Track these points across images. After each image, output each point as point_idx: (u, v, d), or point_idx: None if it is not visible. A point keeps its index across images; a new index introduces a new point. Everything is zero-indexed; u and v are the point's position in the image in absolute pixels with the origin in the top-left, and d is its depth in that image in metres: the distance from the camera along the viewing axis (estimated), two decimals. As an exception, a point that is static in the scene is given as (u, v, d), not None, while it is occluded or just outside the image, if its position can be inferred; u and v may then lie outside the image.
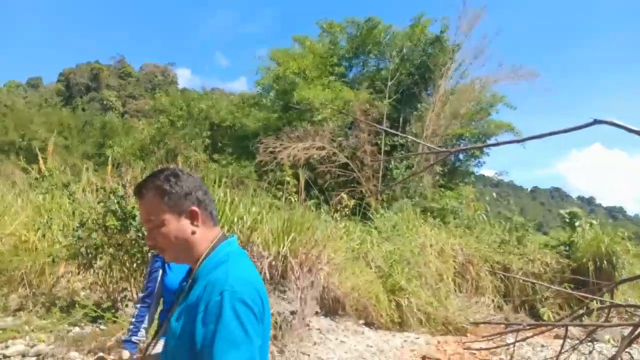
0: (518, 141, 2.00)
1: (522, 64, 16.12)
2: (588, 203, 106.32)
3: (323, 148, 13.72)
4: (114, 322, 4.78)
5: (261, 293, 1.42)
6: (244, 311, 1.31)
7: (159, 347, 1.59)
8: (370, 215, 11.43)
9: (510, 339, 5.71)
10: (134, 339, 2.93)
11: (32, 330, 4.67)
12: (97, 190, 5.59)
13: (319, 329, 6.45)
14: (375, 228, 10.06)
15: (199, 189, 1.53)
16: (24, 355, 4.29)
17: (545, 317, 8.49)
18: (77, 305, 5.00)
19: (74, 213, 5.34)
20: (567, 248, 10.67)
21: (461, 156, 18.30)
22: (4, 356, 4.25)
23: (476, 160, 18.95)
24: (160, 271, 3.03)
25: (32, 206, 6.87)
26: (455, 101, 16.14)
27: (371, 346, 6.40)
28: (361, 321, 7.22)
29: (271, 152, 13.36)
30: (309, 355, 5.60)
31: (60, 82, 75.11)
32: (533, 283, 9.27)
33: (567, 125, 1.70)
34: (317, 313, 6.74)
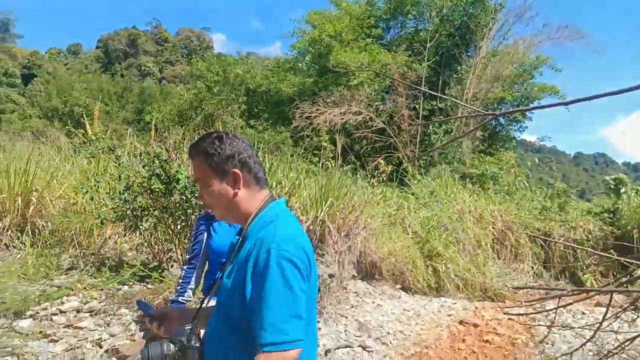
0: (565, 103, 1.89)
1: (568, 24, 15.30)
2: (634, 169, 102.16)
3: (359, 113, 13.57)
4: (161, 281, 4.98)
5: (307, 251, 1.46)
6: (289, 268, 1.35)
7: (211, 304, 1.66)
8: (408, 182, 11.34)
9: (550, 305, 5.66)
10: (180, 299, 3.06)
11: (85, 288, 4.92)
12: (140, 154, 5.73)
13: (356, 292, 6.54)
14: (413, 194, 9.99)
15: (244, 153, 1.56)
16: (78, 311, 4.54)
17: (588, 284, 8.33)
18: (125, 265, 5.22)
19: (120, 177, 5.50)
20: (611, 215, 10.33)
21: (502, 120, 17.78)
22: (60, 311, 4.51)
23: (518, 125, 18.39)
24: (205, 234, 3.12)
25: (79, 170, 7.15)
26: (497, 63, 15.59)
27: (408, 310, 6.46)
28: (398, 286, 7.27)
29: (307, 118, 13.33)
30: (346, 317, 5.71)
31: (99, 49, 76.46)
32: (575, 249, 9.08)
33: (614, 89, 1.60)
34: (354, 277, 6.83)
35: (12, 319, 4.22)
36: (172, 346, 1.49)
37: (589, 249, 6.05)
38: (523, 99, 17.37)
